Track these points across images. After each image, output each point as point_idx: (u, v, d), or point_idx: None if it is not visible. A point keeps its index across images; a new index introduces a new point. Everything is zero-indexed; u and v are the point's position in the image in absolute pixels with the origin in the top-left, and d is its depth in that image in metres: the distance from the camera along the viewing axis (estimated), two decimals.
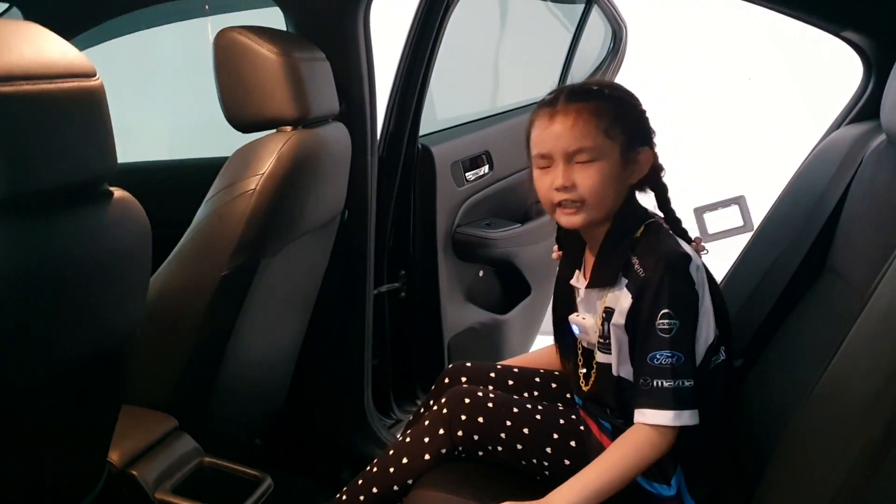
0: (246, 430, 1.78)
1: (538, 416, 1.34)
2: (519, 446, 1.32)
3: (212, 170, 1.51)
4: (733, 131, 4.61)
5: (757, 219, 1.80)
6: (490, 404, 1.34)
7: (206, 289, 1.43)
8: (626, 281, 1.22)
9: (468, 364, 1.51)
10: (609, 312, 1.24)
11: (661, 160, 1.28)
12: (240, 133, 1.56)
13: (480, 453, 1.34)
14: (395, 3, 2.09)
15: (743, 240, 1.67)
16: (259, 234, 1.44)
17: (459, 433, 1.33)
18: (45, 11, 1.87)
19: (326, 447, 2.03)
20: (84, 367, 0.98)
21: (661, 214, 1.31)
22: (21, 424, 0.93)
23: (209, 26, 2.05)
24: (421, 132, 2.09)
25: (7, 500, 0.97)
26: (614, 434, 1.26)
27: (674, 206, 1.31)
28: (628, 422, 1.21)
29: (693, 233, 1.31)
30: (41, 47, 0.85)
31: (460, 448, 1.34)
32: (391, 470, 1.36)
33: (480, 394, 1.36)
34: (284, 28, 1.76)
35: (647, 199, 1.31)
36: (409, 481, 1.34)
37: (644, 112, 1.28)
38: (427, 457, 1.34)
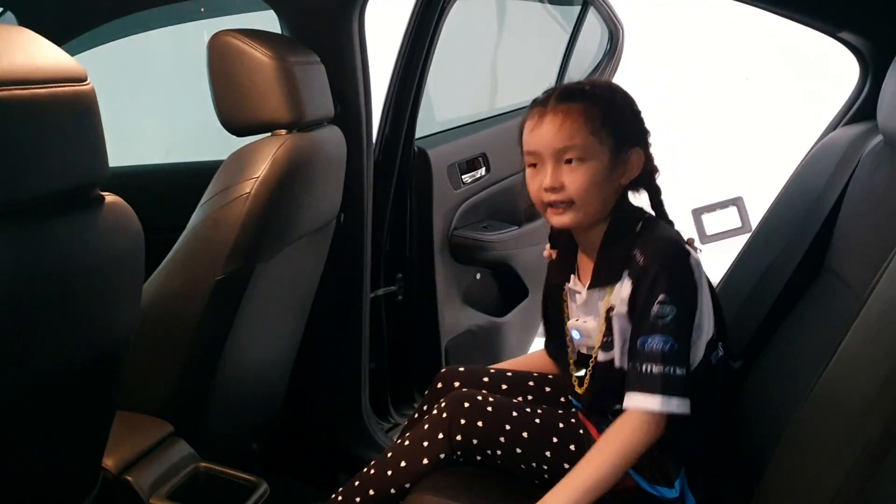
0: (242, 435, 1.77)
1: (537, 420, 1.34)
2: (518, 450, 1.32)
3: (206, 174, 1.51)
4: (731, 132, 4.61)
5: (755, 220, 1.80)
6: (489, 408, 1.34)
7: (201, 294, 1.42)
8: (628, 271, 1.22)
9: (461, 368, 1.51)
10: (612, 310, 1.24)
11: (657, 161, 1.28)
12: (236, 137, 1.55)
13: (479, 457, 1.34)
14: (390, 5, 2.09)
15: (741, 241, 1.67)
16: (254, 238, 1.43)
17: (458, 437, 1.32)
18: (40, 15, 1.86)
19: (324, 451, 2.02)
20: (76, 373, 0.97)
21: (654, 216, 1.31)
22: (14, 430, 0.93)
23: (204, 30, 2.04)
24: (417, 134, 2.09)
25: None
26: None
27: (671, 207, 1.31)
28: None
29: (692, 234, 1.31)
30: (32, 52, 0.84)
31: (459, 452, 1.34)
32: (389, 473, 1.35)
33: (480, 398, 1.36)
34: (279, 31, 1.75)
35: (640, 201, 1.31)
36: (407, 485, 1.34)
37: (638, 113, 1.27)
38: (425, 461, 1.34)
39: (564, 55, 2.60)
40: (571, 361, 1.35)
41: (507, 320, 2.41)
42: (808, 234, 1.41)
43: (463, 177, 2.23)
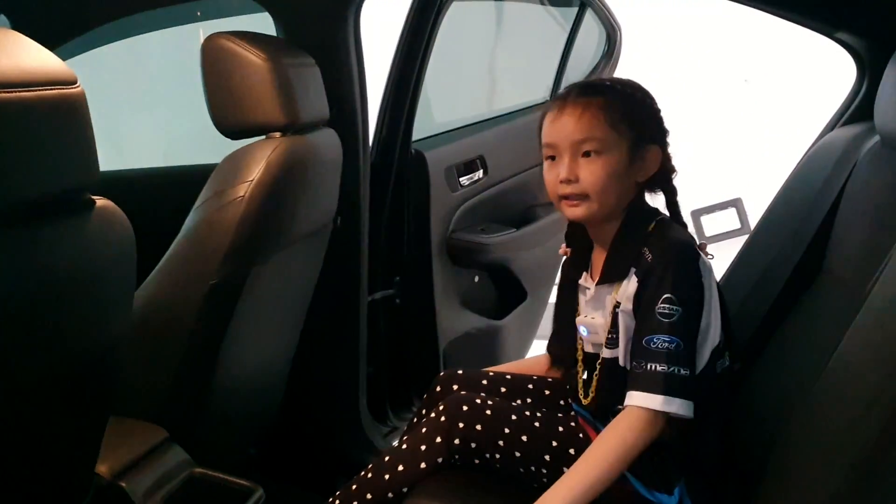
0: (238, 440, 1.77)
1: (537, 424, 1.33)
2: (517, 454, 1.31)
3: (200, 177, 1.50)
4: (730, 134, 4.62)
5: (754, 221, 1.80)
6: (488, 412, 1.33)
7: (195, 298, 1.41)
8: (635, 269, 1.22)
9: (460, 371, 1.50)
10: (619, 306, 1.24)
11: (674, 162, 1.29)
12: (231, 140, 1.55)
13: (477, 461, 1.33)
14: (386, 6, 2.08)
15: (740, 242, 1.67)
16: (249, 242, 1.43)
17: (457, 441, 1.32)
18: (34, 18, 1.86)
19: (322, 456, 2.02)
20: (67, 379, 0.96)
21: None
22: (5, 438, 0.92)
23: (200, 32, 2.04)
24: (414, 137, 2.08)
25: None
26: None
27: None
28: None
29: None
30: (19, 55, 0.84)
31: (457, 456, 1.33)
32: (386, 477, 1.34)
33: (479, 401, 1.35)
34: (274, 33, 1.75)
35: (655, 201, 1.31)
36: (405, 489, 1.33)
37: (658, 111, 1.28)
38: (423, 465, 1.33)
39: (562, 57, 2.60)
40: (580, 359, 1.35)
41: (506, 323, 2.40)
42: (806, 235, 1.42)
43: (460, 179, 2.22)
